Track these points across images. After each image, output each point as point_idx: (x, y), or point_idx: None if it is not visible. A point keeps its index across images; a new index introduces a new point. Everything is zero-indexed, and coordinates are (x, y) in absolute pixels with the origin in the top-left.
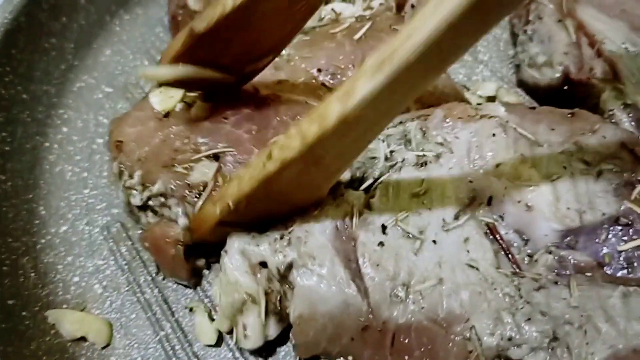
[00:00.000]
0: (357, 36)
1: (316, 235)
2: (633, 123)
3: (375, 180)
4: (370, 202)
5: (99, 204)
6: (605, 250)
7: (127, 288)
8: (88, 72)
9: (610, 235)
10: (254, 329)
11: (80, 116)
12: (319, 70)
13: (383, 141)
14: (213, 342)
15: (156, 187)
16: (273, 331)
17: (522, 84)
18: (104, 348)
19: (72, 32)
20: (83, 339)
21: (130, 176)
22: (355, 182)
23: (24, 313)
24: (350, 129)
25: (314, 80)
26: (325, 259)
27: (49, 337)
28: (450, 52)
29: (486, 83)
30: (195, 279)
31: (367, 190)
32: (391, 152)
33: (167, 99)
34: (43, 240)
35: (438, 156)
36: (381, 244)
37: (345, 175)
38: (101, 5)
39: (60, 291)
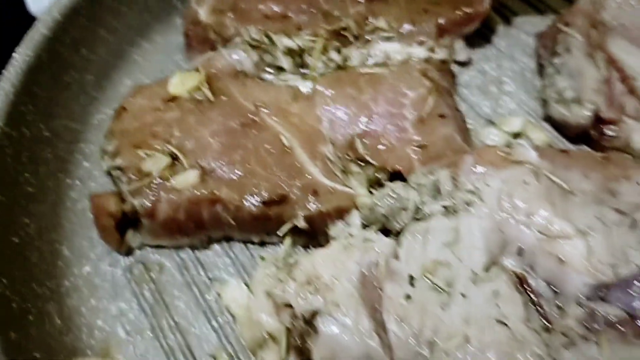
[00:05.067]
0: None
1: (343, 281)
2: None
3: (402, 229)
4: (397, 251)
5: None
6: (639, 303)
7: (150, 333)
8: (108, 104)
9: None
10: None
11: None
12: (321, 121)
13: (416, 190)
14: None
15: (117, 161)
16: None
17: (549, 119)
18: None
19: (93, 64)
20: None
21: (109, 143)
22: (383, 230)
23: None
24: None
25: (314, 127)
26: (350, 309)
27: None
28: None
29: (512, 118)
30: (125, 249)
31: (395, 237)
32: (422, 202)
33: (181, 85)
34: (67, 283)
35: (469, 204)
36: (408, 297)
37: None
38: (121, 35)
39: (85, 336)
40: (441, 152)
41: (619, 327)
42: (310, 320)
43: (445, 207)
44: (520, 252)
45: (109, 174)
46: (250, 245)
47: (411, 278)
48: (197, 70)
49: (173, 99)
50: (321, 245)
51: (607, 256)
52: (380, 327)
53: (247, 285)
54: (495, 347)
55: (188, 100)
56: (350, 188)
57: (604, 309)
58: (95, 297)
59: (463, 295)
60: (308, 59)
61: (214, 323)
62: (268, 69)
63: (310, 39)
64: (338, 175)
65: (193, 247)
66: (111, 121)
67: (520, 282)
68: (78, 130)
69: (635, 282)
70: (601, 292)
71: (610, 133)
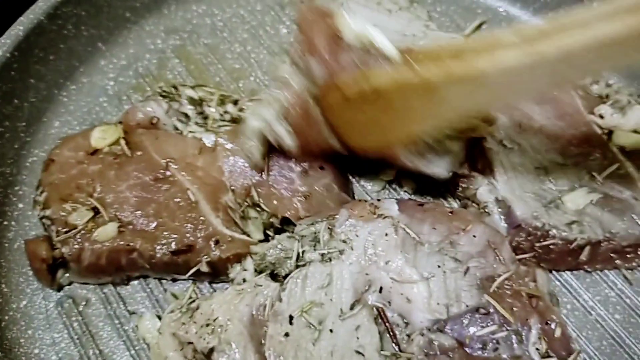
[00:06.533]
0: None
1: (235, 322)
2: (502, 217)
3: (288, 274)
4: (281, 294)
5: None
6: (466, 334)
7: None
8: (39, 146)
9: (471, 322)
10: None
11: (34, 191)
12: (223, 172)
13: (298, 241)
14: None
15: (47, 212)
16: None
17: None
18: None
19: (24, 111)
20: None
21: (40, 194)
22: (274, 274)
23: None
24: (469, 85)
25: (217, 178)
26: (239, 346)
27: None
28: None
29: (387, 168)
30: (56, 286)
31: (281, 281)
32: (303, 252)
33: (101, 139)
34: (7, 317)
35: (341, 252)
36: (286, 334)
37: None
38: (50, 80)
39: None
40: (322, 201)
41: (450, 353)
42: (209, 355)
43: (322, 255)
44: (380, 290)
45: (40, 220)
46: (164, 282)
47: (290, 318)
48: (118, 123)
49: (95, 152)
50: (224, 281)
51: (443, 298)
52: None
53: (159, 317)
54: None
55: (109, 153)
56: (248, 234)
57: (440, 338)
58: (31, 328)
59: (331, 330)
60: (207, 110)
61: (132, 351)
62: (179, 118)
63: (210, 90)
64: (238, 222)
65: (115, 284)
66: (41, 172)
67: (379, 314)
68: (12, 174)
69: (464, 317)
70: (439, 325)
71: (461, 186)
